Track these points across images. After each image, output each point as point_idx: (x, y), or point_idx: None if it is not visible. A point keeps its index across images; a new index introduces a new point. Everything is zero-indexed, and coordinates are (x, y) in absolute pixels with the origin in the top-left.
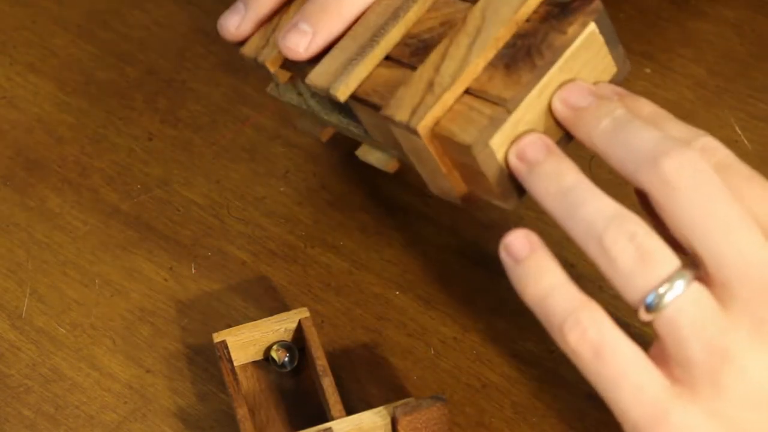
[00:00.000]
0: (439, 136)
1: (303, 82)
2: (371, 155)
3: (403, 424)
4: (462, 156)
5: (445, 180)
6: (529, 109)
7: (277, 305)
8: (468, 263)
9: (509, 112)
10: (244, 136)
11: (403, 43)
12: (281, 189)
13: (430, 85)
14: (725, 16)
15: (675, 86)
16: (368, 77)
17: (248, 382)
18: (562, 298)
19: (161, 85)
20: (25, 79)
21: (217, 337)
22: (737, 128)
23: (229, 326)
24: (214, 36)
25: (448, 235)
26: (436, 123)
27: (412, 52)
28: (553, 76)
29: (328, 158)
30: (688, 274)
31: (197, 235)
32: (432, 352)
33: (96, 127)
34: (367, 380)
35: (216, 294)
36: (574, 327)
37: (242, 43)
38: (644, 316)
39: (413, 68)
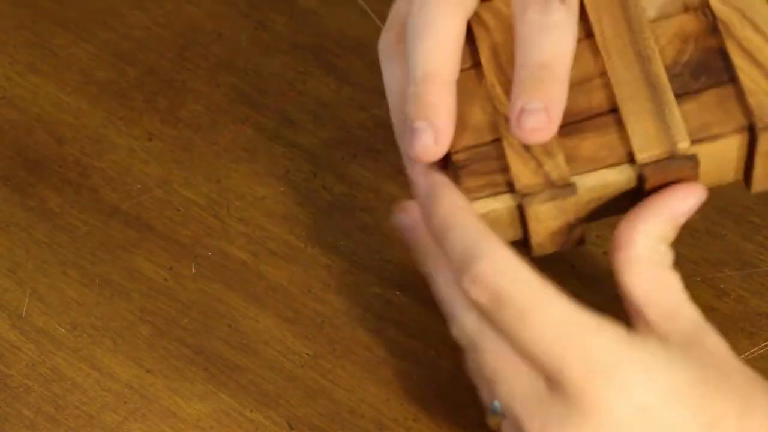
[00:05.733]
0: None
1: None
2: None
3: (651, 182)
4: None
5: None
6: None
7: (277, 305)
8: None
9: None
10: (244, 136)
11: (672, 77)
12: (281, 189)
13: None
14: None
15: None
16: (686, 119)
17: None
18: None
19: (161, 85)
20: (25, 79)
21: None
22: None
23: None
24: (214, 36)
25: None
26: None
27: (692, 77)
28: None
29: (328, 158)
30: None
31: (197, 235)
32: (432, 352)
33: (96, 127)
34: (367, 380)
35: (216, 294)
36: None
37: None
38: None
39: (724, 83)
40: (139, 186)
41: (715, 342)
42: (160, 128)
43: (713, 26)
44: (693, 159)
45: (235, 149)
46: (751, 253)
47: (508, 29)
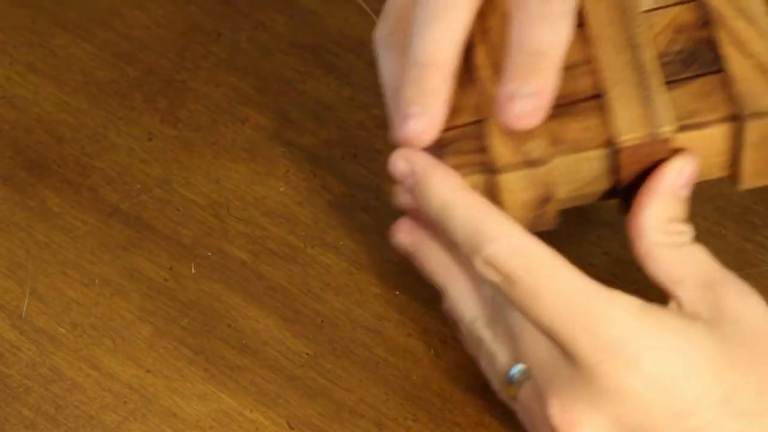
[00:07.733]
0: None
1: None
2: None
3: (625, 163)
4: None
5: None
6: None
7: (277, 305)
8: None
9: None
10: (244, 136)
11: (662, 65)
12: (281, 189)
13: (762, 68)
14: None
15: None
16: (673, 106)
17: None
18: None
19: (161, 85)
20: (25, 79)
21: None
22: None
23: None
24: (214, 36)
25: None
26: None
27: (683, 65)
28: None
29: (328, 158)
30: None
31: (197, 235)
32: (432, 352)
33: (96, 127)
34: (367, 380)
35: (216, 294)
36: None
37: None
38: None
39: (714, 73)
40: (139, 186)
41: (753, 313)
42: (160, 128)
43: (706, 17)
44: (666, 141)
45: (235, 149)
46: (751, 253)
47: (500, 15)
